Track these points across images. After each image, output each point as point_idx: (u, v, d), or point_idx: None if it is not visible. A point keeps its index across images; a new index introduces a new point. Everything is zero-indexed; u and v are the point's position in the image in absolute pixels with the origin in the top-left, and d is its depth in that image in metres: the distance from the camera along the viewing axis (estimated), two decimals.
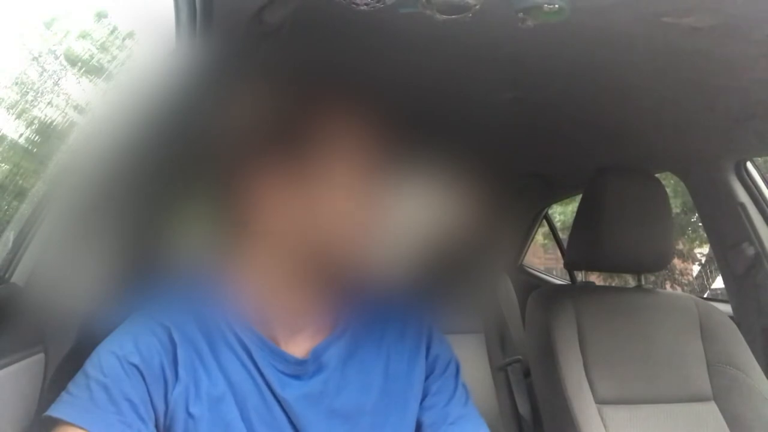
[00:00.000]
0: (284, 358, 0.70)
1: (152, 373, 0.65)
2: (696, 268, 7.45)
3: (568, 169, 2.04)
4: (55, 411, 0.63)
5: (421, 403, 0.77)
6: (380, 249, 0.72)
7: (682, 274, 7.31)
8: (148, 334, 0.67)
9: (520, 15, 0.71)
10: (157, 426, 0.66)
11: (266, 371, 0.69)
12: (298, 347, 0.72)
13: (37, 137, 1.19)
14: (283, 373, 0.70)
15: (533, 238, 2.99)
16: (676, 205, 5.23)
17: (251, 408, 0.68)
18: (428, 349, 0.79)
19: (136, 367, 0.65)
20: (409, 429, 0.75)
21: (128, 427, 0.62)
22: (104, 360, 0.65)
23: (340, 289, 0.74)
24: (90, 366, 0.65)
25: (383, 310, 0.79)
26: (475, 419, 0.79)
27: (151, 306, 0.71)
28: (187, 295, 0.72)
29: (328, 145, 0.69)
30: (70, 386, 0.65)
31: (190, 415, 0.65)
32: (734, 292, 1.60)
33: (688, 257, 7.26)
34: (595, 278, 3.53)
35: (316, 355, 0.72)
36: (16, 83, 1.22)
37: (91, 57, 1.21)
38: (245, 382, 0.68)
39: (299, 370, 0.71)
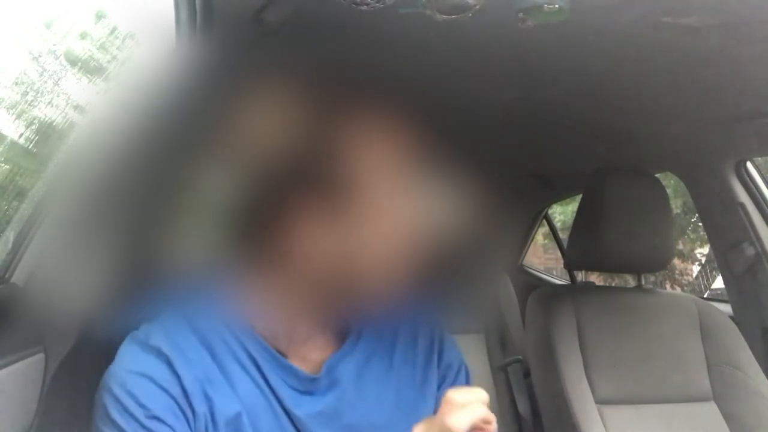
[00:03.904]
0: (296, 374, 0.67)
1: (173, 414, 0.61)
2: (696, 268, 7.44)
3: (568, 169, 2.03)
4: None
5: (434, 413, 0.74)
6: (402, 262, 0.68)
7: (682, 274, 7.30)
8: (146, 383, 0.61)
9: (520, 15, 0.71)
10: None
11: (278, 388, 0.66)
12: (307, 359, 0.69)
13: (37, 137, 1.19)
14: (295, 389, 0.66)
15: (533, 238, 2.99)
16: (676, 205, 5.22)
17: (265, 427, 0.64)
18: (440, 357, 0.76)
19: (158, 419, 0.60)
20: None
21: None
22: (125, 424, 0.60)
23: (355, 301, 0.70)
24: (108, 429, 0.60)
25: (393, 319, 0.75)
26: None
27: (143, 327, 0.66)
28: (186, 305, 0.67)
29: (357, 158, 0.64)
30: None
31: None
32: (734, 292, 1.60)
33: (688, 257, 7.26)
34: (595, 278, 3.52)
35: (330, 370, 0.69)
36: (16, 83, 1.22)
37: (91, 57, 1.21)
38: (257, 400, 0.65)
39: (312, 386, 0.67)
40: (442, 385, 0.76)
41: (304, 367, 0.68)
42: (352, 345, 0.71)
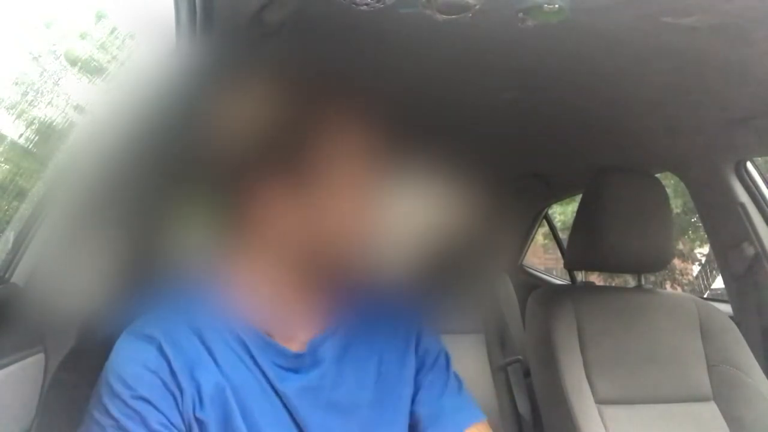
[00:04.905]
0: (282, 352, 0.71)
1: (159, 394, 0.64)
2: (696, 268, 7.45)
3: (568, 169, 2.03)
4: None
5: (415, 396, 0.79)
6: (381, 249, 0.72)
7: (682, 274, 7.30)
8: (136, 366, 0.64)
9: (520, 15, 0.71)
10: None
11: (264, 365, 0.70)
12: (293, 340, 0.73)
13: (37, 137, 1.19)
14: (281, 366, 0.71)
15: (533, 238, 2.99)
16: (676, 205, 5.22)
17: (252, 402, 0.68)
18: (417, 344, 0.81)
19: (144, 399, 0.63)
20: (403, 421, 0.77)
21: None
22: (112, 405, 0.63)
23: (337, 286, 0.75)
24: (97, 413, 0.63)
25: (376, 307, 0.80)
26: (469, 406, 0.81)
27: (139, 319, 0.69)
28: (180, 297, 0.71)
29: (331, 149, 0.70)
30: None
31: (198, 420, 0.66)
32: (734, 292, 1.60)
33: (688, 257, 7.26)
34: (595, 278, 3.52)
35: (313, 349, 0.73)
36: (16, 83, 1.22)
37: (91, 57, 1.21)
38: (244, 377, 0.69)
39: (297, 363, 0.72)
40: (422, 370, 0.80)
41: (290, 347, 0.72)
42: (335, 329, 0.76)
